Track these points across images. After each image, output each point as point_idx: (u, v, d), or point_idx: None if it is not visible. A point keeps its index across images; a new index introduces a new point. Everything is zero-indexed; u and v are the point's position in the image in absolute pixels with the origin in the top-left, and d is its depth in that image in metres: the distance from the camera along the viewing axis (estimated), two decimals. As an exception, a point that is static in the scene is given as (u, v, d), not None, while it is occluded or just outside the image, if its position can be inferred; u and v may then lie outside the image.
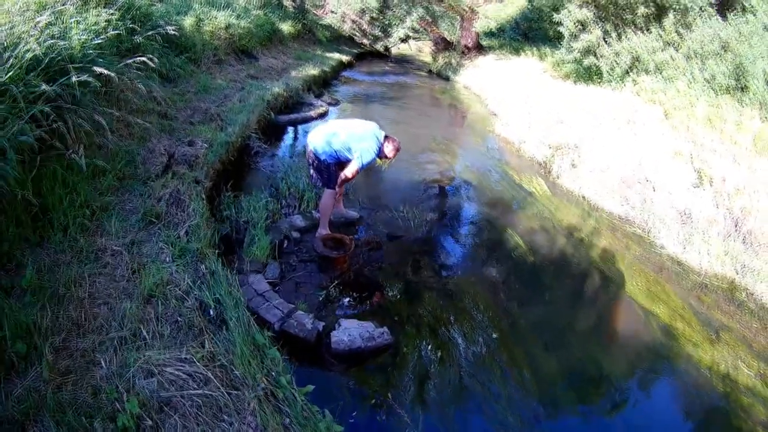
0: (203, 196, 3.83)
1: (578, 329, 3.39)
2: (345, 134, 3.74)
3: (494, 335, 3.13)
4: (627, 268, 4.01)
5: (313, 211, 4.32)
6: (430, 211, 4.79)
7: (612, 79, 8.01)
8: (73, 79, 3.19)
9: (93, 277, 2.55)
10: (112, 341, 2.13)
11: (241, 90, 6.61)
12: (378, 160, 3.89)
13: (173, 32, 4.96)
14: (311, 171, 3.95)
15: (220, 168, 4.72)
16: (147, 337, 2.18)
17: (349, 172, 3.74)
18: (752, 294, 3.63)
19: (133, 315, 2.29)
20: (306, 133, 6.99)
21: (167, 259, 2.77)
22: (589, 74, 8.83)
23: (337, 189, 3.87)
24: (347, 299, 3.33)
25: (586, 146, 5.80)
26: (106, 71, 3.51)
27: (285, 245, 3.84)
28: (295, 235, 3.95)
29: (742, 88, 5.79)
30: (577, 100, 7.63)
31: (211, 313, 2.40)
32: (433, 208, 4.93)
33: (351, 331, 2.86)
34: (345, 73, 12.47)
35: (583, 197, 5.26)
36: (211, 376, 1.99)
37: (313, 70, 8.81)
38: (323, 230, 3.90)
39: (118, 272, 2.62)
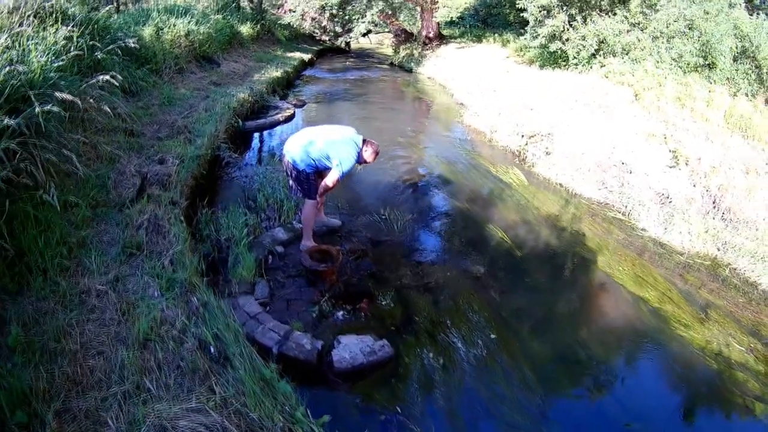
0: (182, 218, 3.63)
1: (571, 320, 3.40)
2: (322, 142, 3.60)
3: (492, 335, 3.10)
4: (612, 254, 4.07)
5: (294, 222, 4.17)
6: (410, 211, 4.72)
7: (579, 63, 8.12)
8: (37, 110, 2.96)
9: (81, 324, 2.37)
10: (116, 396, 1.98)
11: (205, 98, 6.42)
12: (357, 165, 3.77)
13: (133, 45, 4.77)
14: (290, 182, 3.80)
15: (193, 184, 4.51)
16: (152, 388, 2.03)
17: (329, 181, 3.61)
18: (735, 269, 3.76)
19: (132, 364, 2.13)
20: (275, 138, 6.81)
21: (155, 293, 2.59)
22: (554, 59, 8.93)
23: (318, 199, 3.73)
24: (341, 312, 3.21)
25: (559, 132, 5.86)
26: (69, 96, 3.29)
27: (270, 261, 3.68)
28: (279, 249, 3.79)
29: (709, 66, 5.97)
30: (545, 85, 7.71)
31: (213, 351, 2.26)
32: (413, 208, 4.87)
33: (351, 348, 2.76)
34: (307, 72, 12.19)
35: (560, 184, 5.32)
36: (228, 424, 1.87)
37: (275, 72, 8.62)
38: (308, 242, 3.76)
39: (107, 316, 2.44)
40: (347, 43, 21.63)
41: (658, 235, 4.26)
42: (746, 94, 6.07)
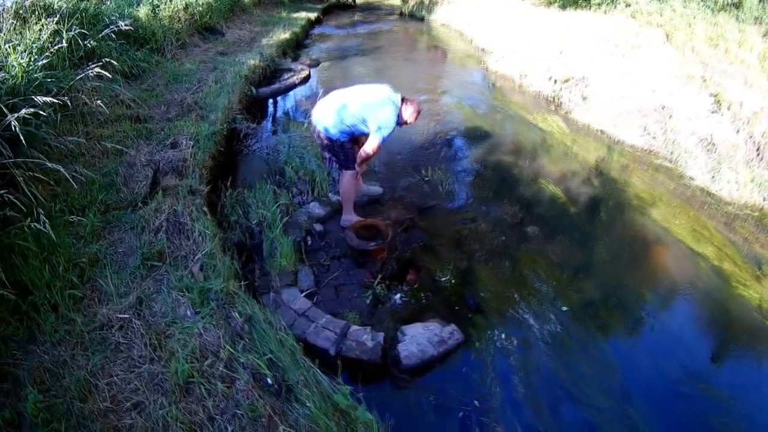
0: (205, 209, 3.21)
1: (638, 284, 3.18)
2: (357, 105, 3.15)
3: (562, 307, 2.91)
4: (666, 205, 3.82)
5: (330, 195, 3.80)
6: (452, 170, 4.37)
7: (602, 2, 7.33)
8: (11, 121, 2.53)
9: (107, 369, 2.01)
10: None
11: (213, 70, 5.80)
12: (397, 127, 3.34)
13: (128, 27, 4.62)
14: (324, 153, 3.38)
15: (212, 165, 4.05)
16: (208, 452, 1.71)
17: (369, 148, 3.20)
18: None
19: (176, 420, 1.79)
20: (292, 101, 6.22)
21: (188, 313, 2.24)
22: (574, -1, 8.06)
23: (357, 168, 3.35)
24: (397, 295, 2.97)
25: (594, 76, 5.36)
26: (49, 99, 2.86)
27: (309, 243, 3.36)
28: (318, 228, 3.46)
29: (736, 5, 5.40)
30: (569, 27, 6.97)
31: (270, 382, 1.93)
32: (455, 166, 4.51)
33: (418, 339, 2.55)
34: (315, 31, 11.26)
35: (601, 131, 4.94)
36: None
37: (283, 34, 7.96)
38: (350, 217, 3.44)
39: (135, 353, 2.07)
40: (353, -1, 19.76)
41: (706, 183, 4.00)
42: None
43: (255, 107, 5.77)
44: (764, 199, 3.66)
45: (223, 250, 2.89)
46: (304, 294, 2.83)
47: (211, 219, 3.16)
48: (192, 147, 3.86)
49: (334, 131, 3.18)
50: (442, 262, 3.27)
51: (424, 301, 2.96)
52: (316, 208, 3.62)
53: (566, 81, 5.50)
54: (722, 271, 3.20)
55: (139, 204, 3.09)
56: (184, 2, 6.68)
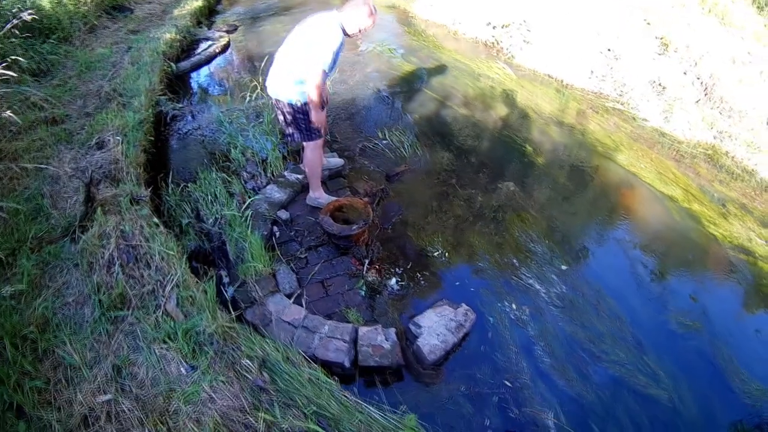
0: (156, 221, 2.53)
1: (621, 229, 3.20)
2: (304, 53, 2.51)
3: (562, 266, 2.79)
4: (628, 149, 3.86)
5: (286, 173, 3.23)
6: (409, 129, 4.00)
7: None
8: None
9: None
10: None
11: (128, 51, 5.05)
12: (356, 35, 2.65)
13: (32, 15, 4.10)
14: (287, 130, 2.76)
15: (145, 160, 3.29)
16: None
17: (311, 87, 2.47)
18: (734, 158, 3.77)
19: None
20: (216, 72, 5.44)
21: (182, 370, 1.69)
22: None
23: (322, 135, 2.79)
24: (393, 280, 2.61)
25: (535, 20, 5.16)
26: None
27: (277, 234, 2.81)
28: (283, 215, 2.91)
29: None
30: None
31: None
32: (411, 124, 4.12)
33: (435, 329, 2.24)
34: None
35: (549, 75, 4.83)
36: None
37: (195, 2, 7.09)
38: (317, 194, 2.95)
39: None
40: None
41: (660, 124, 4.11)
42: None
43: (177, 84, 5.02)
44: (714, 138, 3.84)
45: (192, 270, 2.27)
46: (292, 300, 2.34)
47: (166, 232, 2.47)
48: (121, 143, 3.10)
49: (297, 96, 2.60)
50: (428, 234, 2.97)
51: (423, 282, 2.65)
52: (276, 192, 3.03)
53: (505, 26, 5.27)
54: (692, 212, 3.31)
55: (77, 230, 2.38)
56: None
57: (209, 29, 6.44)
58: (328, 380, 1.77)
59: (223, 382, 1.64)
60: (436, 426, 1.90)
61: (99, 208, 2.46)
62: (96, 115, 3.60)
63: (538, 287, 2.66)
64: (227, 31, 6.28)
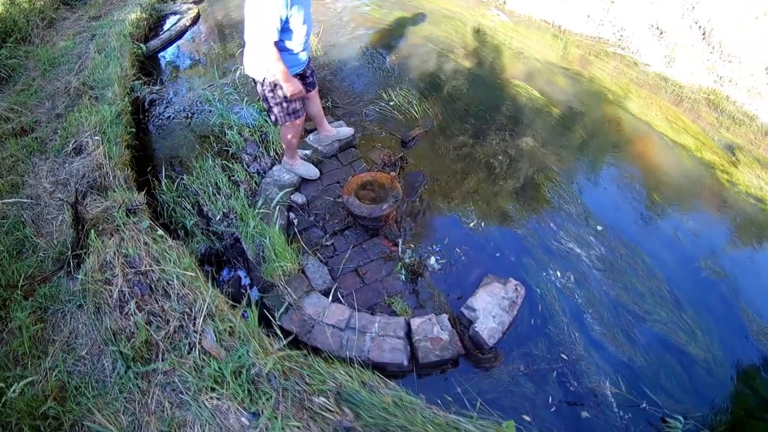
0: (163, 234, 2.16)
1: (646, 184, 3.09)
2: (251, 24, 2.18)
3: (597, 227, 2.70)
4: (636, 97, 3.74)
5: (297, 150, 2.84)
6: (415, 88, 3.71)
7: None
8: None
9: None
10: None
11: (92, 39, 4.60)
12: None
13: None
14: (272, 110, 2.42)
15: (130, 157, 2.87)
16: None
17: (265, 60, 2.18)
18: (735, 102, 3.72)
19: None
20: (190, 47, 4.90)
21: (244, 421, 1.42)
22: None
23: (299, 115, 2.46)
24: (432, 259, 2.44)
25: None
26: None
27: (295, 221, 2.51)
28: (299, 199, 2.60)
29: None
30: None
31: None
32: (416, 82, 3.82)
33: (490, 310, 2.12)
34: None
35: (545, 21, 4.55)
36: None
37: None
38: (291, 162, 2.77)
39: None
40: None
41: (662, 69, 3.99)
42: None
43: (150, 65, 4.52)
44: (714, 82, 3.77)
45: (225, 293, 1.95)
46: (331, 297, 2.11)
47: (175, 245, 2.10)
48: (101, 144, 2.66)
49: (261, 72, 2.26)
50: (458, 202, 2.78)
51: (463, 257, 2.49)
52: (284, 173, 2.72)
53: (497, -33, 4.85)
54: (704, 160, 3.27)
55: (71, 262, 2.02)
56: None
57: (175, 2, 5.82)
58: (414, 399, 1.60)
59: (297, 427, 1.40)
60: (501, 411, 1.81)
61: (92, 230, 2.07)
62: (68, 116, 3.14)
63: (578, 251, 2.57)
64: (194, 2, 5.66)
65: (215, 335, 1.65)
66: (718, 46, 3.94)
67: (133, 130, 3.25)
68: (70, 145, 2.84)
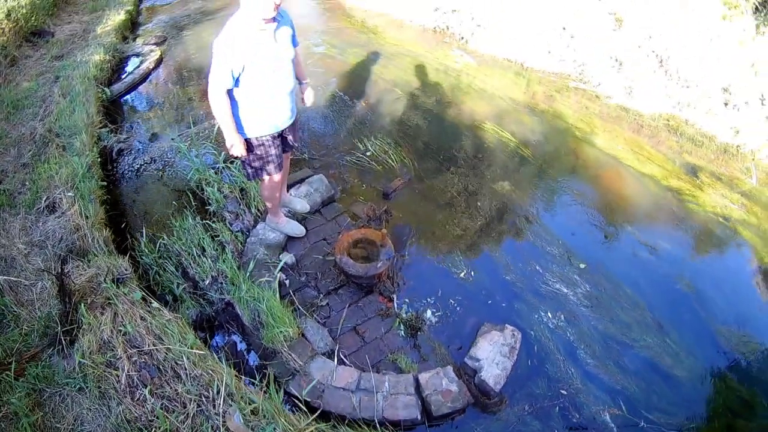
0: (155, 304, 2.38)
1: (620, 217, 3.62)
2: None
3: (580, 264, 3.16)
4: (602, 131, 4.37)
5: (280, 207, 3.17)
6: (389, 134, 4.20)
7: None
8: None
9: None
10: None
11: (56, 81, 4.85)
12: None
13: None
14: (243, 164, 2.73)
15: (105, 216, 3.07)
16: None
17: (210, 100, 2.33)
18: (694, 125, 4.42)
19: None
20: (154, 91, 5.24)
21: None
22: None
23: (270, 172, 2.68)
24: (428, 313, 2.79)
25: (486, 2, 5.47)
26: None
27: (287, 282, 2.81)
28: (288, 259, 2.90)
29: None
30: None
31: None
32: (387, 128, 4.30)
33: (493, 357, 2.49)
34: (145, 4, 8.81)
35: (508, 60, 5.23)
36: None
37: (117, 16, 6.92)
38: (276, 219, 3.03)
39: None
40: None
41: (623, 100, 4.69)
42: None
43: (114, 110, 4.80)
44: (673, 107, 4.48)
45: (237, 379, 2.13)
46: (336, 360, 2.40)
47: (174, 317, 2.34)
48: (75, 202, 2.84)
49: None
50: (446, 252, 3.18)
51: (458, 308, 2.86)
52: (269, 232, 3.04)
53: (455, 10, 5.53)
54: (671, 188, 3.86)
55: (60, 336, 2.14)
56: (6, 8, 5.82)
57: (136, 44, 6.26)
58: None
59: None
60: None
61: (81, 303, 2.25)
62: (36, 166, 3.34)
63: (565, 290, 3.01)
64: (156, 44, 6.11)
65: (237, 412, 1.88)
66: (675, 73, 4.67)
67: (105, 183, 3.46)
68: (43, 202, 3.01)
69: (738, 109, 4.33)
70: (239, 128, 2.44)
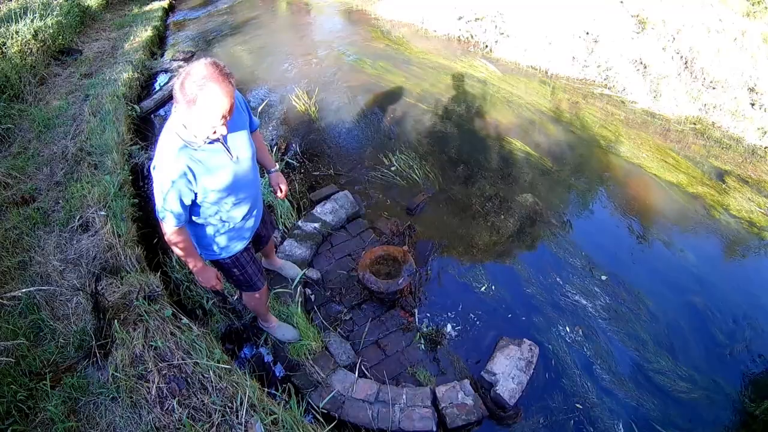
0: (186, 321, 2.58)
1: (646, 229, 3.62)
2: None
3: (602, 276, 3.21)
4: (627, 139, 4.34)
5: (300, 223, 3.43)
6: (411, 148, 4.31)
7: None
8: None
9: None
10: None
11: (86, 99, 5.05)
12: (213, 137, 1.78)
13: None
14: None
15: (136, 233, 3.25)
16: None
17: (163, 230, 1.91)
18: (721, 127, 4.34)
19: None
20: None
21: None
22: None
23: (255, 287, 2.43)
24: (449, 327, 2.91)
25: (509, 10, 5.51)
26: None
27: (312, 298, 3.00)
28: (313, 275, 3.09)
29: None
30: None
31: None
32: (411, 142, 4.43)
33: (509, 372, 2.58)
34: (172, 19, 9.47)
35: (532, 67, 5.23)
36: None
37: (144, 33, 7.15)
38: (268, 323, 2.78)
39: None
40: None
41: (649, 105, 4.63)
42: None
43: (144, 128, 5.01)
44: (699, 110, 4.40)
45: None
46: (357, 373, 2.58)
47: (203, 333, 2.56)
48: (108, 221, 3.05)
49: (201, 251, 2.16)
50: (467, 266, 3.28)
51: (478, 322, 2.97)
52: (296, 248, 3.22)
53: (479, 19, 5.58)
54: (697, 194, 3.83)
55: (95, 350, 2.35)
56: (32, 29, 6.05)
57: (165, 59, 6.52)
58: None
59: None
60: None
61: (115, 320, 2.47)
62: (69, 185, 3.56)
63: (584, 303, 3.06)
64: (184, 59, 6.34)
65: (259, 424, 2.08)
66: (700, 74, 4.59)
67: (136, 200, 3.66)
68: (76, 221, 3.17)
69: (765, 109, 4.22)
70: (205, 252, 2.12)
